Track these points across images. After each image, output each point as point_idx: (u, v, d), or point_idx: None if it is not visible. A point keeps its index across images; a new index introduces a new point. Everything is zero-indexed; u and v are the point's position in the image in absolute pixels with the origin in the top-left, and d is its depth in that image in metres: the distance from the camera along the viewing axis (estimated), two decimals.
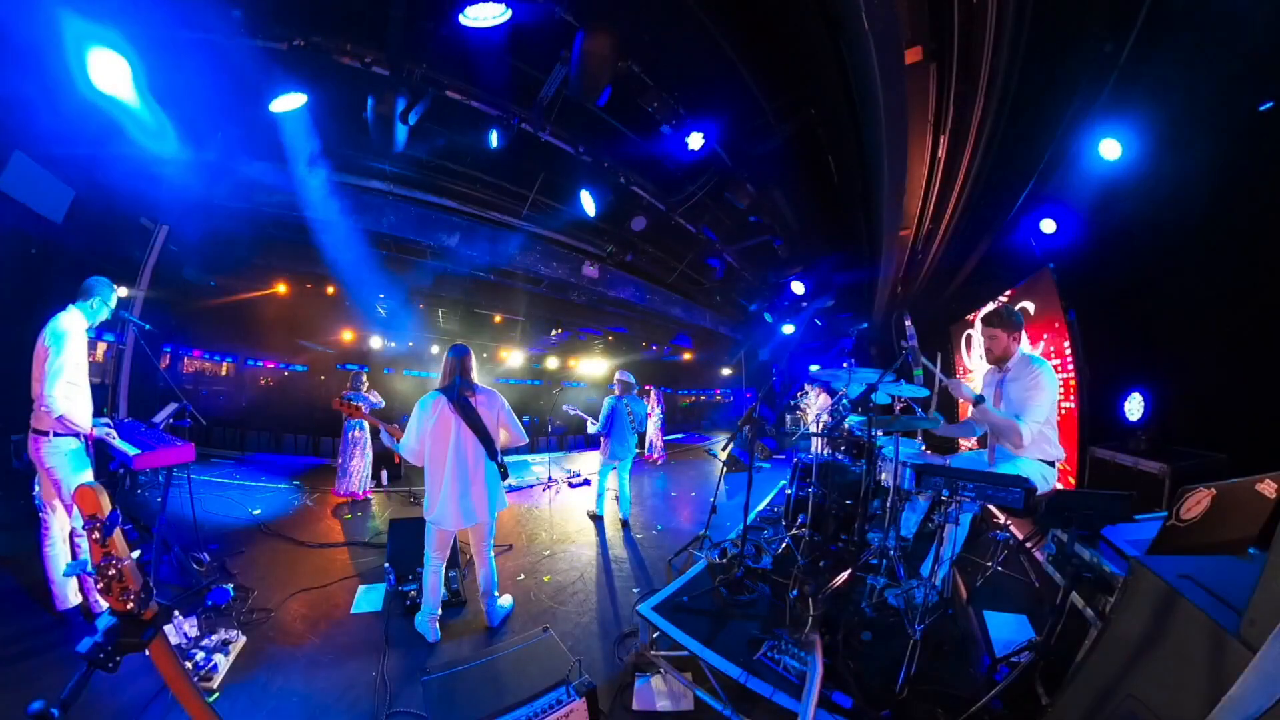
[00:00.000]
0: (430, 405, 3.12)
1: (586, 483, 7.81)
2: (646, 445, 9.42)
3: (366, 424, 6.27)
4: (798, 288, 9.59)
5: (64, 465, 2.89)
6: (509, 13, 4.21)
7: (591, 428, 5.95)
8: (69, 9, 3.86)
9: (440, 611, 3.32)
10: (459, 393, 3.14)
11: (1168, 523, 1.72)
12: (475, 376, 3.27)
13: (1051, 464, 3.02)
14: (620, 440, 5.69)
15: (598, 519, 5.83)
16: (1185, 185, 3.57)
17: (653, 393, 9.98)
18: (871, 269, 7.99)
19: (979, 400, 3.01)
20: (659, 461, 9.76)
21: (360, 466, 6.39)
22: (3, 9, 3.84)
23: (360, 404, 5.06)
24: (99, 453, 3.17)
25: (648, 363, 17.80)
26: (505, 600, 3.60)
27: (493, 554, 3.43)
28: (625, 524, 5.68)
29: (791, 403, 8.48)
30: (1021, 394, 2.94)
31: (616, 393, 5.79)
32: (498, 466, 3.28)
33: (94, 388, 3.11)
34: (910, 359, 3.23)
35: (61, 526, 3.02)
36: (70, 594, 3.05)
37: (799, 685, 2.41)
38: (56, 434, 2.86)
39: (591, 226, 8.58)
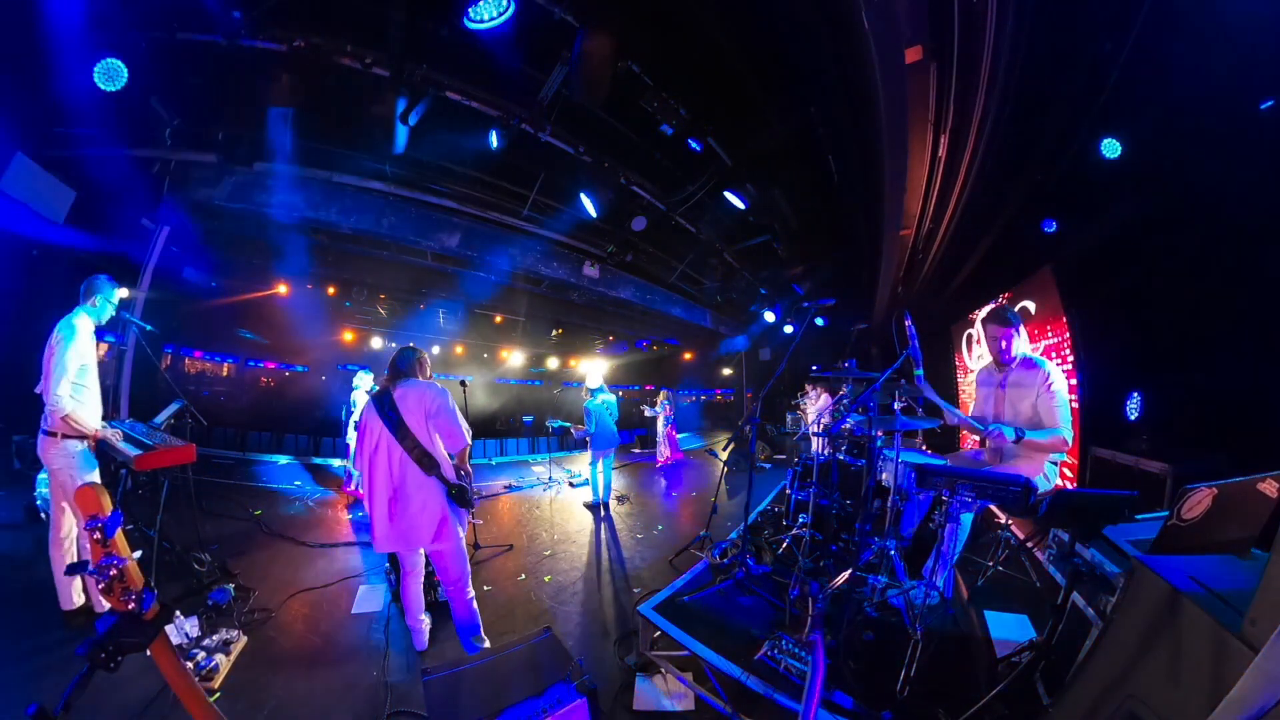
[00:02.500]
0: (362, 415, 2.75)
1: (586, 482, 7.84)
2: (658, 449, 9.73)
3: None
4: (798, 288, 9.60)
5: (71, 467, 2.87)
6: (512, 8, 4.20)
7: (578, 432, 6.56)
8: (70, 9, 3.86)
9: (425, 619, 3.04)
10: (384, 388, 2.71)
11: (1169, 522, 1.72)
12: (424, 375, 2.80)
13: (1054, 462, 3.02)
14: (603, 434, 6.17)
15: (595, 509, 6.17)
16: (1185, 184, 3.57)
17: (664, 395, 10.17)
18: (872, 269, 7.98)
19: (1020, 437, 2.89)
20: (662, 465, 9.73)
21: None
22: (3, 10, 3.85)
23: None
24: (101, 453, 3.16)
25: (647, 363, 17.77)
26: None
27: (470, 594, 2.83)
28: (606, 507, 6.16)
29: (793, 402, 8.48)
30: (1042, 405, 2.92)
31: (585, 396, 6.33)
32: (447, 486, 2.68)
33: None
34: (914, 354, 3.22)
35: (70, 527, 3.01)
36: (75, 594, 3.05)
37: (800, 685, 2.41)
38: (65, 435, 2.84)
39: (592, 226, 8.57)
